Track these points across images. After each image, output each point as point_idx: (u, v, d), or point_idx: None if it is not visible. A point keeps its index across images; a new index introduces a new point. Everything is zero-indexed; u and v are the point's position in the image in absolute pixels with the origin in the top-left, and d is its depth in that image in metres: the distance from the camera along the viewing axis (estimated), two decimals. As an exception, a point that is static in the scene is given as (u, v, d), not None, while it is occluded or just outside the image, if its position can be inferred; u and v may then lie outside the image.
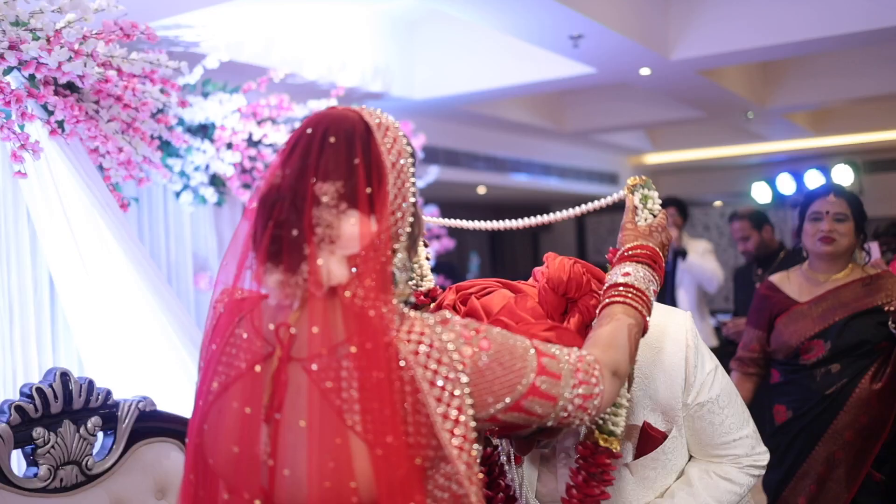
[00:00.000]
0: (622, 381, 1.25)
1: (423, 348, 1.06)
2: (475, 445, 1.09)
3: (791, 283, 2.82)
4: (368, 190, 1.10)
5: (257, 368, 1.09)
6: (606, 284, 1.37)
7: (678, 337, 1.53)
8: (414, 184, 1.17)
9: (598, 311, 1.35)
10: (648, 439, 1.50)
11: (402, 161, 1.15)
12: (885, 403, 2.62)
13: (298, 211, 1.08)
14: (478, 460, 1.10)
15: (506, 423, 1.15)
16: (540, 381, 1.13)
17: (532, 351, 1.15)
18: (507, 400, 1.11)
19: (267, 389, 1.07)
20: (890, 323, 2.57)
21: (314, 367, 1.05)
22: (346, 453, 1.03)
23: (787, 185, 6.98)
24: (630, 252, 1.39)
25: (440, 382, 1.06)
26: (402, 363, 1.06)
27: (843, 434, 2.62)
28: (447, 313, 1.13)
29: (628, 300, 1.31)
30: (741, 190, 9.37)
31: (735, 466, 1.57)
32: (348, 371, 1.04)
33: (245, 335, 1.13)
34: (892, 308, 2.54)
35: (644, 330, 1.33)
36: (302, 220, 1.07)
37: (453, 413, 1.06)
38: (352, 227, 1.08)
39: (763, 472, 1.60)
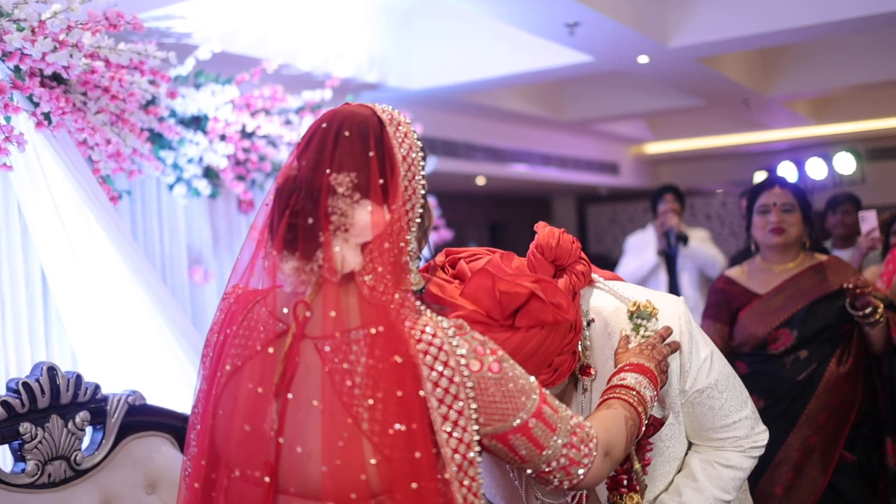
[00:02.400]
0: (612, 464, 1.27)
1: (432, 350, 1.10)
2: (472, 451, 1.10)
3: (747, 276, 2.88)
4: (381, 181, 1.15)
5: (270, 350, 1.13)
6: (606, 387, 1.41)
7: (671, 323, 1.52)
8: (424, 177, 1.23)
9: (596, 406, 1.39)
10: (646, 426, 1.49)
11: (413, 155, 1.21)
12: (851, 384, 2.69)
13: (314, 200, 1.12)
14: (473, 468, 1.11)
15: (488, 450, 1.16)
16: (533, 424, 1.15)
17: (536, 394, 1.17)
18: (497, 426, 1.13)
19: (278, 368, 1.11)
20: (847, 301, 2.62)
21: (327, 348, 1.09)
22: (356, 434, 1.06)
23: (788, 173, 6.96)
24: (625, 366, 1.42)
25: (444, 384, 1.09)
26: (410, 357, 1.08)
27: (816, 418, 2.67)
28: (464, 322, 1.16)
29: (623, 397, 1.35)
30: (742, 178, 9.34)
31: (736, 450, 1.57)
32: (358, 355, 1.08)
33: (259, 318, 1.17)
34: (849, 286, 2.58)
35: (639, 428, 1.35)
36: (318, 209, 1.12)
37: (453, 415, 1.09)
38: (365, 216, 1.12)
39: (763, 451, 1.61)
